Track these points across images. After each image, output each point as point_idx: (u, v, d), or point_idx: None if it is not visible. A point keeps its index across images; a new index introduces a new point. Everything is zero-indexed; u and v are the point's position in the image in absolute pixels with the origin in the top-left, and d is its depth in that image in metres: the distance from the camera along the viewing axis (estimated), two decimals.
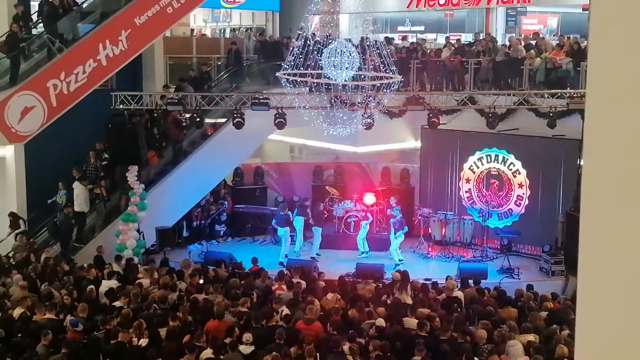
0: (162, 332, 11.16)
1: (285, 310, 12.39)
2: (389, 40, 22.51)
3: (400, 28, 27.00)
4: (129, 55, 19.04)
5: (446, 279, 15.36)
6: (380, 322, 12.12)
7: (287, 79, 16.66)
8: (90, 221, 19.09)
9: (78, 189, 18.32)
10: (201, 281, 14.69)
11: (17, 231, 17.17)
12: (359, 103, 17.45)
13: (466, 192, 20.87)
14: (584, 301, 1.66)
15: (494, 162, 20.44)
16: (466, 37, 24.74)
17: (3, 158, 18.76)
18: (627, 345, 1.56)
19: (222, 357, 10.26)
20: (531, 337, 11.64)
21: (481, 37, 23.11)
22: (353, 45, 16.43)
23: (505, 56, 20.84)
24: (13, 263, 15.74)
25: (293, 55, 16.29)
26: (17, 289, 13.29)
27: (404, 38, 25.39)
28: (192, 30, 26.82)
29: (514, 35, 24.04)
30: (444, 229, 20.54)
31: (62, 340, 10.67)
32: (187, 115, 19.11)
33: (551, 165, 19.23)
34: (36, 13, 19.15)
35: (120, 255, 16.43)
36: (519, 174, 20.02)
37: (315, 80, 16.46)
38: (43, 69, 17.92)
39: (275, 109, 17.73)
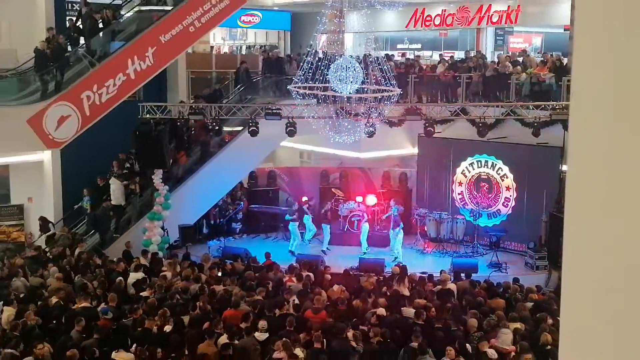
0: (185, 319, 11.18)
1: (295, 300, 12.42)
2: (389, 57, 22.51)
3: (399, 46, 27.00)
4: (154, 70, 19.09)
5: (440, 273, 15.36)
6: (381, 311, 12.11)
7: (298, 92, 16.67)
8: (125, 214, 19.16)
9: (115, 184, 18.40)
10: (219, 274, 14.73)
11: (47, 234, 17.18)
12: (362, 113, 17.44)
13: (459, 194, 20.84)
14: (567, 293, 1.66)
15: (484, 167, 20.41)
16: (459, 54, 24.70)
17: (41, 162, 18.82)
18: (608, 332, 1.55)
19: (237, 341, 10.27)
20: (518, 325, 11.64)
21: (472, 54, 23.10)
22: (357, 61, 16.41)
23: (494, 71, 20.82)
24: (50, 257, 15.78)
25: (303, 70, 16.30)
26: (53, 280, 13.34)
27: (403, 55, 25.41)
28: (212, 47, 26.86)
29: (502, 52, 24.03)
30: (438, 227, 20.53)
31: (94, 326, 10.69)
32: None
33: (535, 170, 19.20)
34: (70, 27, 19.19)
35: (146, 250, 16.45)
36: (507, 177, 19.99)
37: (323, 93, 16.47)
38: (78, 81, 17.97)
39: (287, 119, 17.75)
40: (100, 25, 19.30)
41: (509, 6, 22.91)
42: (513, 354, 10.15)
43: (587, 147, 1.60)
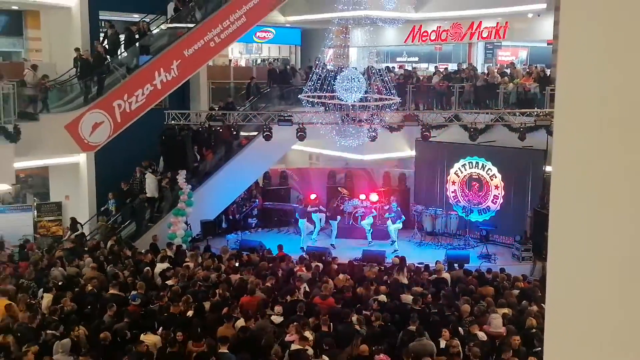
0: (206, 305, 11.18)
1: (305, 288, 12.42)
2: (389, 69, 22.51)
3: (398, 59, 26.97)
4: (179, 81, 19.14)
5: (436, 263, 15.33)
6: (382, 298, 12.11)
7: (307, 100, 16.69)
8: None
9: (149, 178, 18.47)
10: (237, 264, 14.72)
11: (75, 233, 17.23)
12: (365, 119, 17.45)
13: (452, 192, 20.81)
14: (552, 281, 1.65)
15: (474, 167, 20.37)
16: (452, 66, 24.65)
17: (77, 164, 18.89)
18: (589, 316, 1.55)
19: (252, 325, 10.28)
20: (505, 310, 11.62)
21: (464, 67, 23.03)
22: (360, 72, 16.41)
23: (484, 82, 20.78)
24: (85, 249, 15.83)
25: (312, 81, 16.31)
26: (88, 269, 13.36)
27: (402, 67, 25.36)
28: (230, 60, 26.89)
29: (491, 64, 23.94)
30: (434, 222, 20.50)
31: (124, 311, 10.70)
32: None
33: (521, 170, 19.17)
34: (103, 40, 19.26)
35: (171, 243, 16.47)
36: (495, 177, 19.95)
37: (330, 101, 16.48)
38: (110, 91, 18.03)
39: (297, 125, 17.77)
40: (137, 36, 19.51)
41: (497, 23, 22.83)
42: (516, 338, 10.09)
43: (569, 149, 1.59)
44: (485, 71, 21.97)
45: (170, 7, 20.21)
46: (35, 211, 19.16)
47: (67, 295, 11.39)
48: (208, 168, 20.18)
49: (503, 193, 19.82)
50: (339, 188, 21.85)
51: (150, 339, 9.59)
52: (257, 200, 21.87)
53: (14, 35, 22.12)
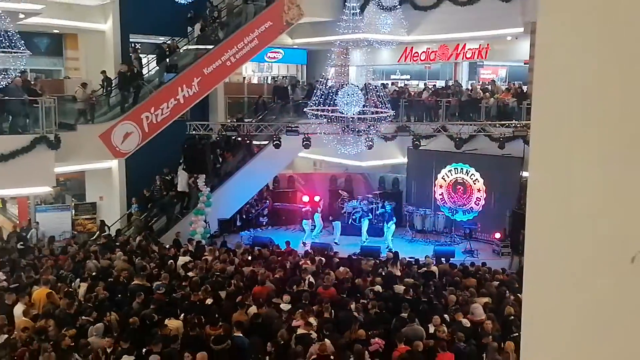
0: (222, 294, 11.19)
1: (310, 279, 12.41)
2: (384, 85, 22.50)
3: (392, 76, 26.95)
4: (199, 96, 19.18)
5: (425, 258, 15.32)
6: (378, 288, 12.09)
7: (312, 113, 16.70)
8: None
9: (182, 175, 18.56)
10: (249, 258, 14.73)
11: (104, 234, 17.27)
12: (363, 130, 17.44)
13: (440, 194, 20.77)
14: (529, 273, 1.65)
15: (460, 173, 20.34)
16: (440, 83, 24.65)
17: (110, 168, 18.94)
18: (561, 304, 1.54)
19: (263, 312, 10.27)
20: (486, 299, 11.58)
21: (451, 83, 23.03)
22: (359, 88, 16.41)
23: (468, 97, 20.77)
24: (117, 244, 15.85)
25: (316, 96, 16.31)
26: (119, 262, 13.39)
27: (395, 83, 25.35)
28: (244, 77, 26.92)
29: (474, 81, 23.93)
30: (423, 221, 20.48)
31: (151, 299, 10.71)
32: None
33: (501, 176, 19.14)
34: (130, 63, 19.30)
35: (192, 239, 16.50)
36: (478, 182, 19.92)
37: (332, 114, 16.47)
38: (139, 104, 18.07)
39: (303, 135, 17.78)
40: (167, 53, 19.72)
41: (480, 45, 22.82)
42: (487, 322, 10.05)
43: (543, 157, 1.59)
44: (469, 87, 21.97)
45: (197, 27, 20.29)
46: (73, 210, 19.20)
47: (100, 285, 11.43)
48: (228, 169, 20.22)
49: (485, 196, 19.79)
50: (339, 191, 21.87)
51: (173, 323, 9.60)
52: (267, 201, 21.88)
53: (55, 56, 22.17)
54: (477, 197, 19.98)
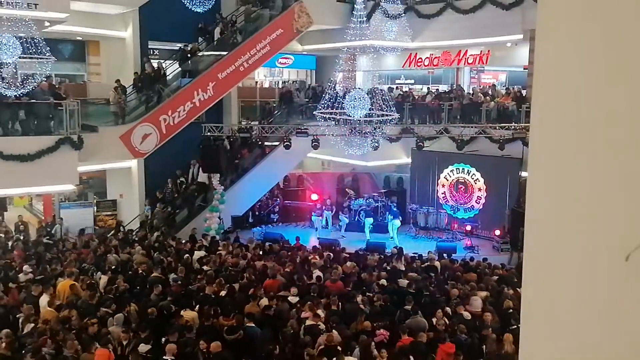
0: (235, 286, 11.19)
1: (318, 273, 12.40)
2: (389, 89, 22.45)
3: (397, 81, 26.86)
4: (214, 99, 19.22)
5: (428, 253, 15.29)
6: (383, 282, 12.08)
7: (321, 116, 16.70)
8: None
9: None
10: (261, 252, 14.75)
11: (118, 233, 17.35)
12: (369, 132, 17.42)
13: (442, 193, 20.73)
14: (528, 269, 1.65)
15: (461, 173, 20.29)
16: (442, 87, 24.55)
17: (130, 168, 19.01)
18: (558, 297, 1.54)
19: (274, 305, 10.27)
20: (486, 293, 11.54)
21: (453, 87, 22.95)
22: (365, 92, 16.39)
23: (469, 100, 20.68)
24: (135, 239, 15.91)
25: (324, 100, 16.30)
26: (138, 256, 13.43)
27: (400, 87, 25.29)
28: (256, 82, 26.93)
29: (475, 86, 23.83)
30: (426, 219, 20.44)
31: (167, 291, 10.75)
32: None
33: (501, 175, 19.06)
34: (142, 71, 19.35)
35: (206, 234, 16.56)
36: (479, 181, 19.87)
37: (340, 117, 16.46)
38: (157, 107, 18.13)
39: (312, 136, 17.78)
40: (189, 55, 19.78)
41: (481, 51, 22.74)
42: (487, 315, 10.02)
43: (542, 158, 1.59)
44: (471, 91, 21.88)
45: (217, 31, 20.35)
46: (95, 207, 19.31)
47: (120, 277, 11.48)
48: (245, 165, 20.27)
49: (485, 194, 19.73)
50: (346, 189, 21.87)
51: (189, 314, 9.62)
52: (278, 199, 21.91)
53: (78, 61, 22.27)
54: (478, 196, 19.92)
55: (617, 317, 1.39)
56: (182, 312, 9.66)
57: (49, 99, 15.38)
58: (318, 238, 18.17)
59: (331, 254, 14.56)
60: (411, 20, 21.23)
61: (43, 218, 19.32)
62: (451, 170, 20.47)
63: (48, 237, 15.85)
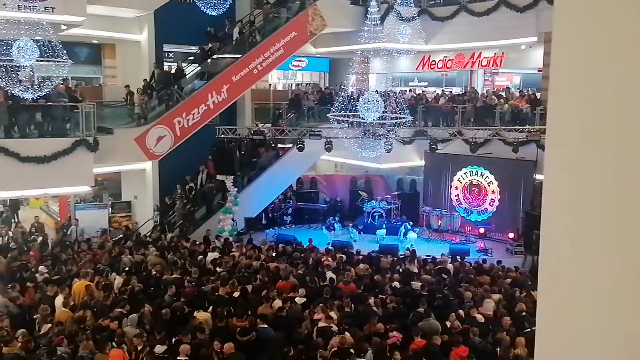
0: (248, 288, 11.21)
1: (331, 275, 12.38)
2: (402, 92, 22.40)
3: (410, 83, 26.80)
4: (228, 102, 19.29)
5: (441, 255, 15.21)
6: (396, 284, 12.03)
7: (335, 118, 16.69)
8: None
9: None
10: (274, 254, 14.76)
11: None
12: (382, 134, 17.39)
13: (455, 195, 20.63)
14: (543, 271, 1.63)
15: (475, 175, 20.18)
16: (456, 90, 24.45)
17: (144, 169, 19.13)
18: (574, 299, 1.53)
19: (287, 307, 10.27)
20: (499, 296, 11.45)
21: (467, 90, 22.84)
22: (378, 95, 16.35)
23: (483, 103, 20.57)
24: (149, 240, 15.99)
25: (338, 102, 16.29)
26: (152, 257, 13.51)
27: (413, 90, 25.22)
28: (270, 84, 27.02)
29: (489, 88, 23.69)
30: (439, 221, 20.35)
31: (181, 292, 10.79)
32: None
33: (515, 178, 18.95)
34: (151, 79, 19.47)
35: (220, 236, 16.60)
36: (492, 184, 19.75)
37: (353, 119, 16.44)
38: (171, 110, 18.23)
39: (325, 138, 17.78)
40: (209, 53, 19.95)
41: (495, 53, 22.63)
42: (506, 319, 9.94)
43: (558, 161, 1.57)
44: (485, 94, 21.76)
45: (235, 31, 20.46)
46: (110, 208, 19.44)
47: (134, 278, 11.54)
48: (262, 163, 20.36)
49: (499, 197, 19.60)
50: (359, 192, 21.83)
51: (202, 315, 9.65)
52: (291, 201, 21.93)
53: (94, 64, 22.51)
54: (492, 199, 19.80)
55: (636, 321, 1.37)
56: (195, 313, 9.69)
57: (67, 102, 15.52)
58: (328, 243, 18.09)
59: (344, 256, 14.53)
60: (425, 23, 21.18)
61: (59, 219, 19.50)
62: (465, 173, 20.37)
63: (64, 238, 15.98)
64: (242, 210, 18.84)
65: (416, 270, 13.58)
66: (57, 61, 12.44)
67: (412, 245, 17.66)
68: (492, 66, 23.40)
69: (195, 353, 8.21)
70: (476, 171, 20.08)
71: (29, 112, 15.14)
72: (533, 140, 17.03)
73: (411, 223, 19.28)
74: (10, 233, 16.54)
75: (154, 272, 12.23)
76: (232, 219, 18.24)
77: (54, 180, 14.92)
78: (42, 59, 12.26)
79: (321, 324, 9.39)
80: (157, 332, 8.79)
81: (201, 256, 13.71)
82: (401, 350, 8.65)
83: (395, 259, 15.13)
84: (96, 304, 10.11)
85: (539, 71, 21.17)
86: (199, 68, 19.78)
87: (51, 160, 14.70)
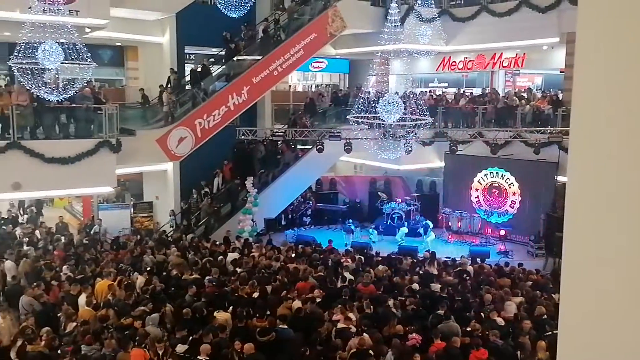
0: (268, 288, 11.24)
1: (350, 276, 12.36)
2: (423, 93, 22.29)
3: (430, 84, 26.67)
4: (248, 103, 19.38)
5: (461, 257, 15.10)
6: (415, 286, 11.97)
7: (355, 120, 16.66)
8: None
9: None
10: (293, 255, 14.77)
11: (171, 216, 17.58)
12: (402, 136, 17.31)
13: (475, 197, 20.47)
14: (566, 274, 1.61)
15: (495, 177, 20.01)
16: (477, 91, 24.26)
17: (166, 170, 19.29)
18: (597, 304, 1.51)
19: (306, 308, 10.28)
20: (521, 299, 11.33)
21: (487, 91, 22.65)
22: (398, 97, 16.29)
23: (504, 104, 20.39)
24: (171, 240, 16.12)
25: (358, 104, 16.26)
26: (173, 257, 13.59)
27: (433, 91, 25.07)
28: (290, 86, 27.07)
29: (510, 89, 23.46)
30: (459, 223, 20.21)
31: (202, 292, 10.85)
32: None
33: (536, 180, 18.74)
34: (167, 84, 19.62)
35: (240, 236, 16.67)
36: (513, 185, 19.56)
37: (373, 121, 16.41)
38: (193, 111, 18.38)
39: (345, 140, 17.77)
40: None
41: (516, 54, 22.41)
42: (526, 322, 9.82)
43: (582, 162, 1.55)
44: (506, 95, 21.56)
45: (260, 28, 20.55)
46: (132, 209, 19.66)
47: (156, 278, 11.64)
48: (287, 159, 20.50)
49: (519, 199, 19.41)
50: (379, 193, 21.78)
51: (222, 315, 9.70)
52: (310, 202, 21.95)
53: (117, 66, 22.80)
54: (512, 200, 19.61)
55: None
56: (215, 314, 9.74)
57: (92, 104, 15.72)
58: (346, 244, 18.05)
59: (363, 257, 14.50)
60: (445, 24, 21.05)
61: (82, 219, 19.77)
62: (485, 174, 20.20)
63: (87, 238, 16.21)
64: (261, 211, 18.92)
65: (436, 272, 13.49)
66: (82, 64, 12.61)
67: (428, 246, 17.59)
68: (514, 67, 23.17)
69: (216, 353, 8.25)
70: (497, 173, 19.90)
71: (54, 114, 15.37)
72: (555, 142, 16.83)
73: (431, 225, 19.17)
74: (37, 233, 16.81)
75: (175, 272, 12.30)
76: (252, 220, 18.32)
77: (78, 181, 15.12)
78: (66, 61, 12.44)
79: (340, 325, 9.37)
80: (178, 332, 8.85)
81: (221, 257, 13.76)
82: (420, 352, 8.59)
83: (415, 260, 15.06)
84: (118, 303, 10.22)
85: (561, 72, 20.92)
86: (224, 67, 19.90)
87: (75, 161, 14.91)
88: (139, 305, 9.94)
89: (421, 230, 18.95)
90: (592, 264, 1.50)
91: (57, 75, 14.42)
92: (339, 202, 22.41)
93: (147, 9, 18.50)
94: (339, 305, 9.98)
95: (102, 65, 20.99)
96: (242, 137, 18.37)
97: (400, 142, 17.29)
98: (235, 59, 20.03)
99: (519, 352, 8.89)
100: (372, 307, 10.37)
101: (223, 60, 20.12)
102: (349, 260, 14.03)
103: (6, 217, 19.04)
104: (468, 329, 9.57)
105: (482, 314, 10.38)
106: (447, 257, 15.49)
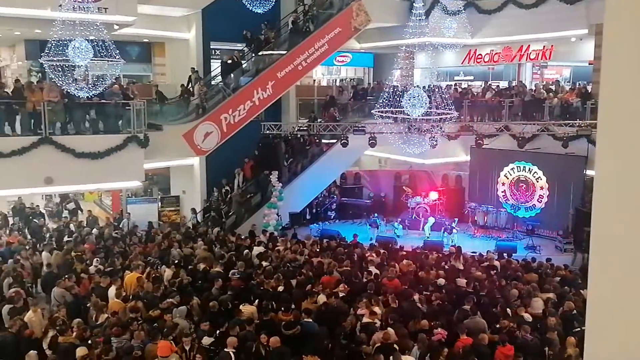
0: (293, 282, 11.29)
1: (375, 270, 12.35)
2: (448, 86, 22.07)
3: (456, 77, 26.38)
4: (273, 98, 19.45)
5: (487, 252, 14.95)
6: (441, 281, 11.92)
7: (379, 114, 16.59)
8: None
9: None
10: (318, 249, 14.80)
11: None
12: (427, 130, 17.19)
13: (502, 191, 20.23)
14: (594, 270, 1.59)
15: (522, 171, 19.74)
16: (503, 84, 23.93)
17: (192, 165, 19.50)
18: (627, 301, 1.48)
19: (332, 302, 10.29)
20: (550, 295, 11.19)
21: (514, 84, 22.33)
22: (423, 90, 16.16)
23: (531, 97, 20.08)
24: (197, 234, 16.28)
25: (382, 99, 16.18)
26: (200, 250, 13.74)
27: (458, 84, 24.80)
28: (314, 80, 27.06)
29: (538, 82, 23.08)
30: (485, 217, 20.02)
31: (228, 285, 10.95)
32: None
33: (564, 174, 18.42)
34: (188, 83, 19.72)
35: (265, 230, 16.76)
36: (541, 179, 19.27)
37: (398, 115, 16.32)
38: (219, 106, 18.51)
39: (369, 134, 17.71)
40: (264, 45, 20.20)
41: (544, 46, 22.03)
42: (551, 319, 9.69)
43: (611, 155, 1.53)
44: (533, 87, 21.22)
45: (289, 20, 20.63)
46: (159, 203, 19.91)
47: (183, 271, 11.78)
48: (315, 151, 20.57)
49: (547, 193, 19.13)
50: (404, 187, 21.66)
51: (247, 309, 9.77)
52: (335, 196, 21.95)
53: (144, 62, 23.06)
54: (540, 195, 19.33)
55: None
56: (241, 307, 9.81)
57: (121, 100, 15.96)
58: (371, 239, 18.00)
59: (387, 252, 14.45)
60: (471, 16, 20.79)
61: (111, 212, 20.10)
62: (512, 169, 19.94)
63: (116, 232, 16.48)
64: (286, 205, 18.99)
65: (462, 267, 13.38)
66: (110, 60, 12.79)
67: (453, 241, 17.46)
68: (541, 59, 22.79)
69: (242, 346, 8.33)
70: (524, 167, 19.63)
71: (84, 110, 15.63)
72: (584, 135, 16.52)
73: (456, 220, 19.00)
74: (71, 226, 17.16)
75: (202, 266, 12.42)
76: (277, 214, 18.40)
77: (107, 175, 15.37)
78: (96, 58, 12.63)
79: (365, 319, 9.37)
80: (204, 324, 8.95)
81: (247, 250, 13.86)
82: (446, 347, 8.55)
83: (440, 255, 14.96)
84: (147, 296, 10.38)
85: (589, 64, 20.52)
86: (250, 61, 19.99)
87: (104, 156, 15.15)
88: (167, 298, 10.08)
89: (444, 235, 18.59)
90: (620, 260, 1.47)
91: (86, 72, 14.67)
92: (363, 196, 22.35)
93: (174, 6, 18.66)
94: (364, 300, 9.99)
95: (130, 61, 21.24)
96: (267, 131, 18.44)
97: (425, 136, 17.18)
98: (260, 53, 20.10)
99: (547, 348, 8.79)
100: (397, 301, 10.35)
101: (253, 54, 20.17)
102: (374, 254, 14.00)
103: (43, 211, 19.48)
104: (497, 325, 9.48)
105: (508, 309, 10.27)
106: (473, 252, 15.35)
